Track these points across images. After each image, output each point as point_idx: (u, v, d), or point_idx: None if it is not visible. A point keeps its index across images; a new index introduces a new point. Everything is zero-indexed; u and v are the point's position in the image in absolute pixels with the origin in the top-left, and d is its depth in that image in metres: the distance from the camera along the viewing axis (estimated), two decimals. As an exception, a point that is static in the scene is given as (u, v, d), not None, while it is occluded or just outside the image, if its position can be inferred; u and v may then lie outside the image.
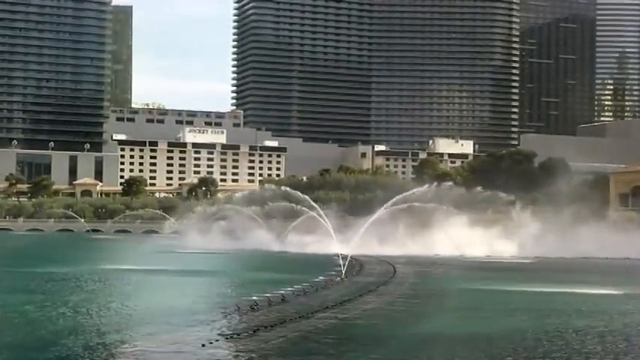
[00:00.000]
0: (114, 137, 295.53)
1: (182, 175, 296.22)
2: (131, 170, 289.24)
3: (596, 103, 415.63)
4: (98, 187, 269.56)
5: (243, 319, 30.35)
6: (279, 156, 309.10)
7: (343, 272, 52.08)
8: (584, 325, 31.30)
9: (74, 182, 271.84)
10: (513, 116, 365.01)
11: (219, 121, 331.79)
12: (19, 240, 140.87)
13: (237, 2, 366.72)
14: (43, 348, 25.09)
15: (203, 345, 24.08)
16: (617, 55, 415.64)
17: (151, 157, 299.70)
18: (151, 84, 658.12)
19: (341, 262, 54.33)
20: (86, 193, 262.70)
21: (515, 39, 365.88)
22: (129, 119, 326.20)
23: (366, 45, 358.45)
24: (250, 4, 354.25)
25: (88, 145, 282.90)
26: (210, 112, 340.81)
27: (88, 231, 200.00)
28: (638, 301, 42.00)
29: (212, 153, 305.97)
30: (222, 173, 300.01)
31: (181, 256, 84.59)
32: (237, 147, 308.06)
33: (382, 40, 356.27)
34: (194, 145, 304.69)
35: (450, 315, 35.56)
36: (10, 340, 26.74)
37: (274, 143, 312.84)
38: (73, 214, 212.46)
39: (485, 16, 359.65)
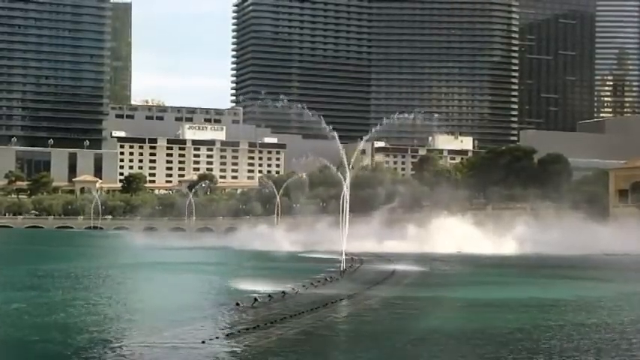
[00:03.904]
0: (113, 134, 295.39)
1: (181, 172, 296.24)
2: (130, 167, 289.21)
3: (595, 99, 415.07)
4: (98, 184, 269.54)
5: (243, 316, 30.37)
6: (278, 152, 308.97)
7: (342, 267, 52.22)
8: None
9: (74, 179, 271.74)
10: (513, 112, 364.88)
11: (218, 118, 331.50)
12: (19, 236, 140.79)
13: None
14: (45, 343, 25.18)
15: (203, 342, 24.15)
16: (616, 51, 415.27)
17: (151, 154, 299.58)
18: (151, 81, 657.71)
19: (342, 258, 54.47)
20: (85, 190, 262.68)
21: (514, 35, 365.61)
22: (128, 116, 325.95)
23: (366, 41, 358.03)
24: (249, 0, 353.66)
25: (88, 142, 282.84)
26: (210, 108, 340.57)
27: (89, 227, 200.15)
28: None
29: (211, 150, 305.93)
30: (221, 170, 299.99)
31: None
32: (237, 144, 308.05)
33: (381, 36, 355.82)
34: (193, 141, 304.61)
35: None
36: (16, 336, 26.98)
37: (274, 140, 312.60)
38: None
39: (485, 12, 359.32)
